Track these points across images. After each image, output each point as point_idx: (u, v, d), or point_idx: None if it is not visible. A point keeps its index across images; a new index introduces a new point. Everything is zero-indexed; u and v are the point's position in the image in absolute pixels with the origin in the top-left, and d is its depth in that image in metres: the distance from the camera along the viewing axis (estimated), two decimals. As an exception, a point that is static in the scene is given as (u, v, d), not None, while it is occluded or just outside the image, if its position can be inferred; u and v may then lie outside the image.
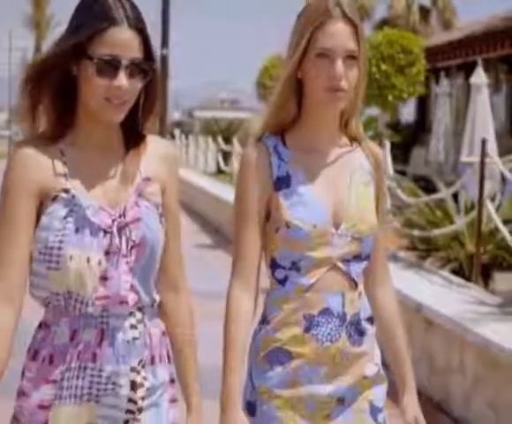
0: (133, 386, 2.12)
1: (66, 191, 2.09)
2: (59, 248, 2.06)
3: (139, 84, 2.10)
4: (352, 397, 2.32)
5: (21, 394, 2.13)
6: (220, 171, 24.81)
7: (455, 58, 20.31)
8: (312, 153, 2.32)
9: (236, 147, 21.66)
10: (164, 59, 18.24)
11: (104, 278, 2.09)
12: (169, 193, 2.25)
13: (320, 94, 2.24)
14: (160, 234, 2.17)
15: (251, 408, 2.29)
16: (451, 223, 8.83)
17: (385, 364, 2.44)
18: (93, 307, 2.09)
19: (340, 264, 2.29)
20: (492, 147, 11.83)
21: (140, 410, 2.14)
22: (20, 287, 2.09)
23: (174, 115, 64.01)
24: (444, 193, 9.27)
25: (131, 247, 2.11)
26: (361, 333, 2.32)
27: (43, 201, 2.09)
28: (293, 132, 2.33)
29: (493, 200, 8.89)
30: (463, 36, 20.11)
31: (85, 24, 2.06)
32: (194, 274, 9.12)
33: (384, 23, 29.01)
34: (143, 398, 2.14)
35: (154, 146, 2.23)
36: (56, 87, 2.11)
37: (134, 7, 2.10)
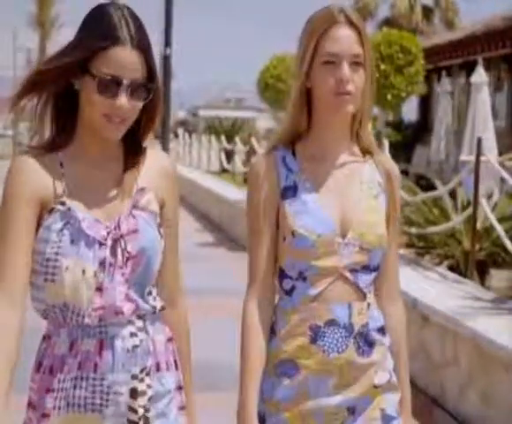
0: (133, 394, 2.13)
1: (63, 203, 2.09)
2: (55, 260, 2.07)
3: (139, 103, 2.09)
4: (363, 407, 2.29)
5: (29, 405, 2.17)
6: (223, 170, 24.82)
7: (457, 58, 20.33)
8: (322, 161, 2.30)
9: (238, 145, 21.72)
10: (167, 59, 18.33)
11: (99, 289, 2.09)
12: (169, 207, 2.25)
13: (328, 99, 2.23)
14: (158, 245, 2.17)
15: (260, 419, 2.27)
16: (448, 220, 8.84)
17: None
18: (89, 318, 2.10)
19: (347, 274, 2.25)
20: (491, 146, 11.92)
21: (147, 420, 2.14)
22: (22, 291, 2.07)
23: (178, 114, 63.93)
24: (441, 190, 9.31)
25: (127, 259, 2.11)
26: (370, 344, 2.29)
27: (42, 212, 2.10)
28: (303, 142, 2.32)
29: (490, 198, 8.95)
30: (464, 36, 20.12)
31: (89, 40, 2.05)
32: (197, 272, 9.22)
33: (387, 23, 28.99)
34: (145, 407, 2.14)
35: (154, 159, 2.24)
36: (54, 99, 2.13)
37: (139, 26, 2.09)
